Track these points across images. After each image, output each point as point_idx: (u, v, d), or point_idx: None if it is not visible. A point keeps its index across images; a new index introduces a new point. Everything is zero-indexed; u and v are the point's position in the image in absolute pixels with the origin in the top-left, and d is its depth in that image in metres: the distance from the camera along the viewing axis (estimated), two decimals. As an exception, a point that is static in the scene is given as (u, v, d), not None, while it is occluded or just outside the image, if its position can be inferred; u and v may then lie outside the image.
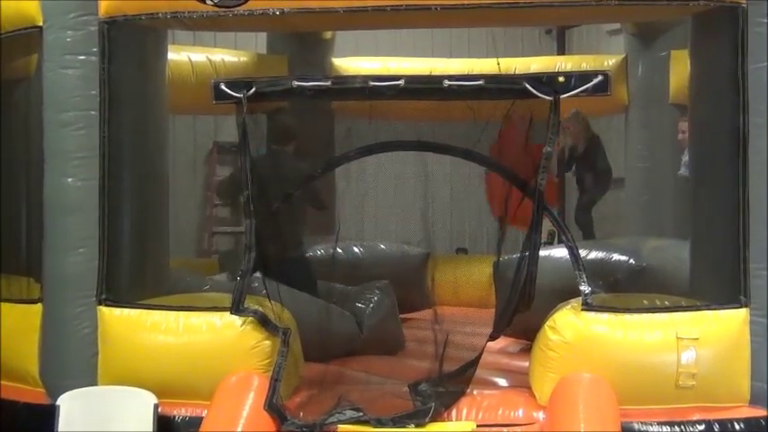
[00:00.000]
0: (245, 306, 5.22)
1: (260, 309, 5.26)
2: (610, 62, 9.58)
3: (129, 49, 5.56)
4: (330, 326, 6.34)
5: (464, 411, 5.07)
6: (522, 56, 10.44)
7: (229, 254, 9.89)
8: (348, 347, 6.48)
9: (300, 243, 7.14)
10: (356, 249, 8.28)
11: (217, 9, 5.32)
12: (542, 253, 5.25)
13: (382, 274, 7.53)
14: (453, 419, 5.04)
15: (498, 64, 7.75)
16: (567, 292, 5.33)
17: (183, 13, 5.37)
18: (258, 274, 5.43)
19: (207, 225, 11.47)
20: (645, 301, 5.30)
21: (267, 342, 5.23)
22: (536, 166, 5.03)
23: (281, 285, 5.51)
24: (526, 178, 5.19)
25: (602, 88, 4.99)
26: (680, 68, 8.31)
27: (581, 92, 4.99)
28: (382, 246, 8.58)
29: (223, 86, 5.20)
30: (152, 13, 5.43)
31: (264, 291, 5.40)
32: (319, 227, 8.48)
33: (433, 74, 8.56)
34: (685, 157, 8.55)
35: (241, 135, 5.22)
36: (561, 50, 12.06)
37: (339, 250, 7.86)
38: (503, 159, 5.51)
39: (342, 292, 7.14)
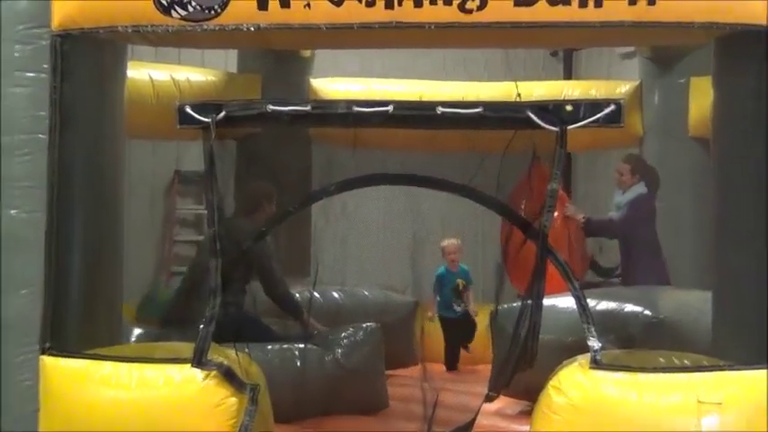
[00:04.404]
0: (209, 358, 5.20)
1: (225, 361, 5.24)
2: (623, 89, 9.69)
3: (84, 65, 5.56)
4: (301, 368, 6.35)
5: (455, 481, 5.07)
6: (525, 80, 10.51)
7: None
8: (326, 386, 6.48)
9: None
10: (336, 295, 8.29)
11: (184, 23, 5.35)
12: (546, 302, 5.26)
13: (365, 324, 7.54)
14: (443, 490, 5.04)
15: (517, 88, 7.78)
16: (574, 347, 5.35)
17: (146, 26, 5.38)
18: None
19: (164, 264, 11.43)
20: (662, 359, 5.31)
21: (233, 399, 5.18)
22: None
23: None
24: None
25: (615, 119, 5.01)
26: (701, 97, 8.42)
27: (591, 122, 5.02)
28: (365, 292, 8.59)
29: (189, 110, 5.18)
30: (111, 27, 5.42)
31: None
32: (293, 268, 8.49)
33: (424, 99, 8.62)
34: (617, 198, 8.71)
35: (208, 164, 5.22)
36: (568, 74, 12.15)
37: (316, 295, 7.87)
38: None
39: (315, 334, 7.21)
